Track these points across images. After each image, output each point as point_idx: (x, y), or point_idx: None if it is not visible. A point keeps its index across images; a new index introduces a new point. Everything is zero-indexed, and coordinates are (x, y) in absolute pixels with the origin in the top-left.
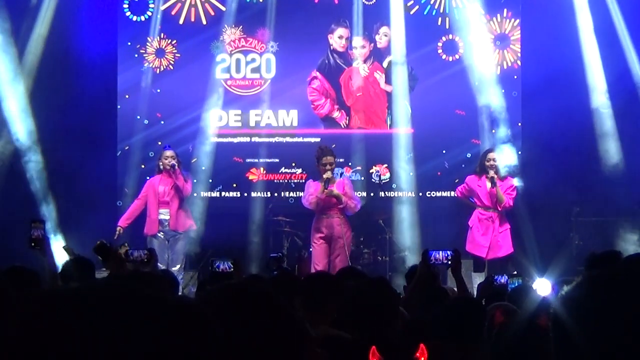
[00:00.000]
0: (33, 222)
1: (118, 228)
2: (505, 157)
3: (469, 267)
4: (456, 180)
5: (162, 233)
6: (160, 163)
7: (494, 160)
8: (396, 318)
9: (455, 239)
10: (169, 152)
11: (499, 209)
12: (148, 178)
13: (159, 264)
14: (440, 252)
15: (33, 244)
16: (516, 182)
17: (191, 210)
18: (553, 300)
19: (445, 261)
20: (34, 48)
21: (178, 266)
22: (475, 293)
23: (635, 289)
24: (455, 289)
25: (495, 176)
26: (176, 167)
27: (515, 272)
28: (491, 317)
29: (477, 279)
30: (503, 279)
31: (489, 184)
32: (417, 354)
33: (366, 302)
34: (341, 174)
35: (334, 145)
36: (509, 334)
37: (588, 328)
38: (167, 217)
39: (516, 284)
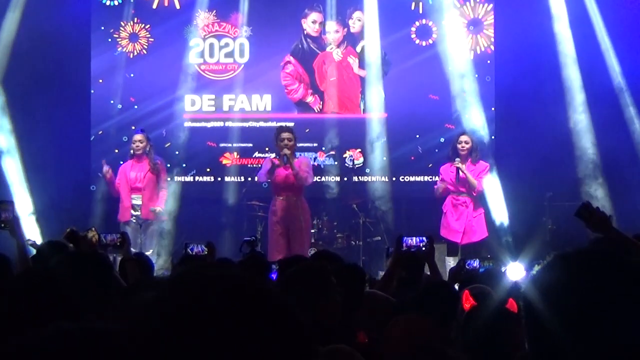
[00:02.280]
0: (1, 204)
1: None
2: (478, 141)
3: (443, 252)
4: (429, 165)
5: (134, 218)
6: (131, 148)
7: (465, 142)
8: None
9: (428, 223)
10: (138, 137)
11: (473, 194)
12: (121, 163)
13: (131, 248)
14: (414, 238)
15: (2, 225)
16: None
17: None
18: (524, 282)
19: (419, 247)
20: (6, 32)
21: (151, 250)
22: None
23: (602, 268)
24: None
25: (461, 165)
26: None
27: (489, 256)
28: (461, 300)
29: (451, 263)
30: (475, 263)
31: (463, 167)
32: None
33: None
34: (315, 158)
35: (307, 130)
36: (478, 317)
37: (558, 308)
38: (139, 203)
39: (486, 268)
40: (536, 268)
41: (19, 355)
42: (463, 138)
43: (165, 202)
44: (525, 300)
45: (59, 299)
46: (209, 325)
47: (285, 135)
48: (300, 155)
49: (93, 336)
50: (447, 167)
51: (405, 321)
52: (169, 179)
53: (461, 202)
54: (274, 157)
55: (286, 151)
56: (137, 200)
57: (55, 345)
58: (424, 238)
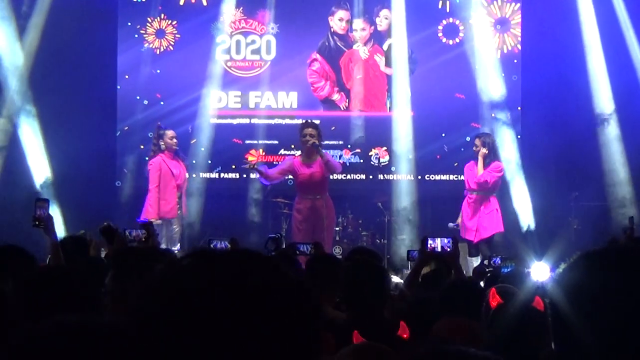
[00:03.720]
0: (37, 201)
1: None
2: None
3: (465, 251)
4: (455, 164)
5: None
6: (162, 143)
7: (475, 146)
8: (384, 297)
9: (454, 221)
10: (171, 132)
11: (488, 188)
12: (147, 159)
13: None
14: (439, 239)
15: (37, 223)
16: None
17: (190, 191)
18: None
19: (443, 249)
20: (34, 29)
21: (177, 246)
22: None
23: (628, 267)
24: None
25: (481, 158)
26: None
27: (510, 257)
28: (487, 299)
29: (474, 263)
30: (499, 261)
31: (479, 166)
32: (399, 332)
33: (357, 281)
34: (340, 156)
35: (333, 128)
36: (504, 315)
37: (582, 307)
38: (178, 200)
39: (509, 269)
40: (561, 267)
41: (19, 348)
42: (476, 141)
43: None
44: (551, 299)
45: (75, 297)
46: (207, 323)
47: (307, 130)
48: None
49: (90, 331)
50: (470, 165)
51: (451, 323)
52: (194, 175)
53: (473, 199)
54: (297, 156)
55: (313, 140)
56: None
57: (53, 339)
58: (449, 239)
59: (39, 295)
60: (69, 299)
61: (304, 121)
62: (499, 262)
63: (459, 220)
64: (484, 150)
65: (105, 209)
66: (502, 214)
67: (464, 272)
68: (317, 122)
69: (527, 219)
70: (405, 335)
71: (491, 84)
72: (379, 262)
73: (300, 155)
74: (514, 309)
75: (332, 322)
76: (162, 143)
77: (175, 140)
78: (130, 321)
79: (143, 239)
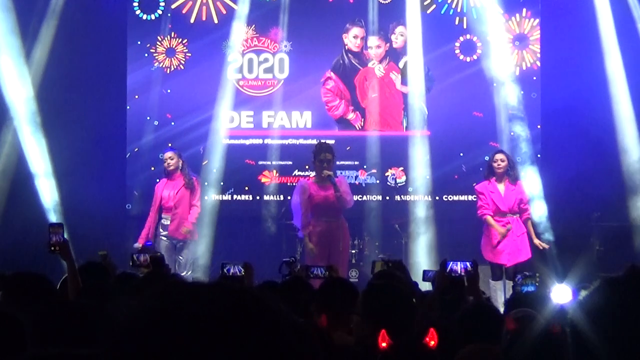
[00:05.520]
0: (51, 227)
1: (137, 245)
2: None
3: (487, 274)
4: (473, 184)
5: (165, 238)
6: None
7: (501, 160)
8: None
9: (472, 244)
10: (168, 154)
11: (518, 210)
12: (158, 181)
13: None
14: (459, 263)
15: (53, 249)
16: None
17: (201, 214)
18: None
19: (463, 273)
20: (42, 46)
21: (187, 271)
22: (496, 300)
23: None
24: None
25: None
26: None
27: (531, 274)
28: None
29: (498, 287)
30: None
31: (501, 187)
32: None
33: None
34: (356, 177)
35: (348, 148)
36: (523, 340)
37: (606, 334)
38: (168, 223)
39: (531, 288)
40: (583, 292)
41: None
42: (499, 156)
43: (197, 221)
44: (572, 324)
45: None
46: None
47: (324, 156)
48: (340, 174)
49: None
50: (484, 185)
51: (475, 350)
52: (206, 197)
53: (504, 222)
54: (310, 177)
55: (327, 172)
56: (166, 220)
57: None
58: (469, 263)
59: (57, 327)
60: (84, 333)
61: (318, 142)
62: (521, 279)
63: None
64: (506, 168)
65: (116, 233)
66: None
67: (489, 296)
68: (331, 142)
69: (547, 238)
70: (433, 343)
71: (510, 101)
72: (405, 282)
73: (314, 176)
74: (533, 334)
75: (346, 348)
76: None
77: (170, 161)
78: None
79: (149, 264)
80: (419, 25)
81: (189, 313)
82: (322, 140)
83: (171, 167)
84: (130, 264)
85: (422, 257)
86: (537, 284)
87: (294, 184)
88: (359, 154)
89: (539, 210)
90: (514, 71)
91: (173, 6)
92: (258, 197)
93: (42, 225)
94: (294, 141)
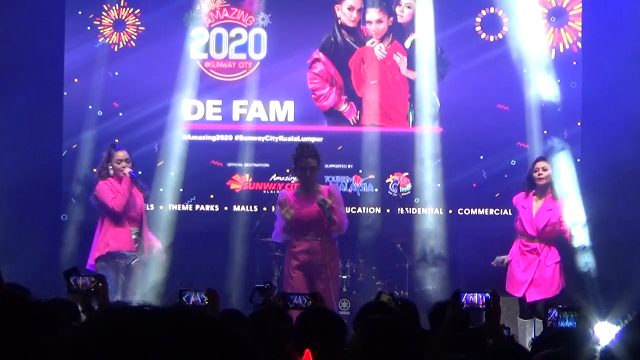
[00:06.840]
0: (66, 274)
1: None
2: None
3: (511, 307)
4: (497, 195)
5: (120, 257)
6: (111, 167)
7: (543, 169)
8: None
9: (493, 270)
10: (122, 154)
11: (548, 236)
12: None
13: (113, 294)
14: (476, 294)
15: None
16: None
17: (155, 227)
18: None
19: (480, 306)
20: None
21: (136, 297)
22: (523, 340)
23: None
24: None
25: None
26: (135, 176)
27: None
28: None
29: (527, 327)
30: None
31: (538, 204)
32: None
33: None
34: (349, 184)
35: (339, 147)
36: None
37: None
38: (135, 237)
39: (569, 323)
40: (622, 324)
41: None
42: (540, 164)
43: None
44: (609, 356)
45: None
46: None
47: (309, 162)
48: (329, 181)
49: None
50: (520, 197)
51: None
52: (160, 207)
53: (531, 248)
54: (292, 185)
55: (327, 201)
56: (134, 234)
57: None
58: (488, 294)
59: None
60: None
61: (299, 144)
62: (557, 314)
63: (506, 259)
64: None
65: (49, 250)
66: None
67: (513, 334)
68: (319, 140)
69: (587, 266)
70: None
71: (543, 92)
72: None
73: (296, 185)
74: None
75: None
76: (111, 167)
77: (124, 163)
78: None
79: (92, 289)
80: None
81: (136, 337)
82: (305, 141)
83: (123, 172)
84: (67, 289)
85: (430, 285)
86: (577, 318)
87: (271, 191)
88: (353, 155)
89: (578, 232)
90: (549, 54)
91: None
92: (226, 208)
93: None
94: (271, 138)
